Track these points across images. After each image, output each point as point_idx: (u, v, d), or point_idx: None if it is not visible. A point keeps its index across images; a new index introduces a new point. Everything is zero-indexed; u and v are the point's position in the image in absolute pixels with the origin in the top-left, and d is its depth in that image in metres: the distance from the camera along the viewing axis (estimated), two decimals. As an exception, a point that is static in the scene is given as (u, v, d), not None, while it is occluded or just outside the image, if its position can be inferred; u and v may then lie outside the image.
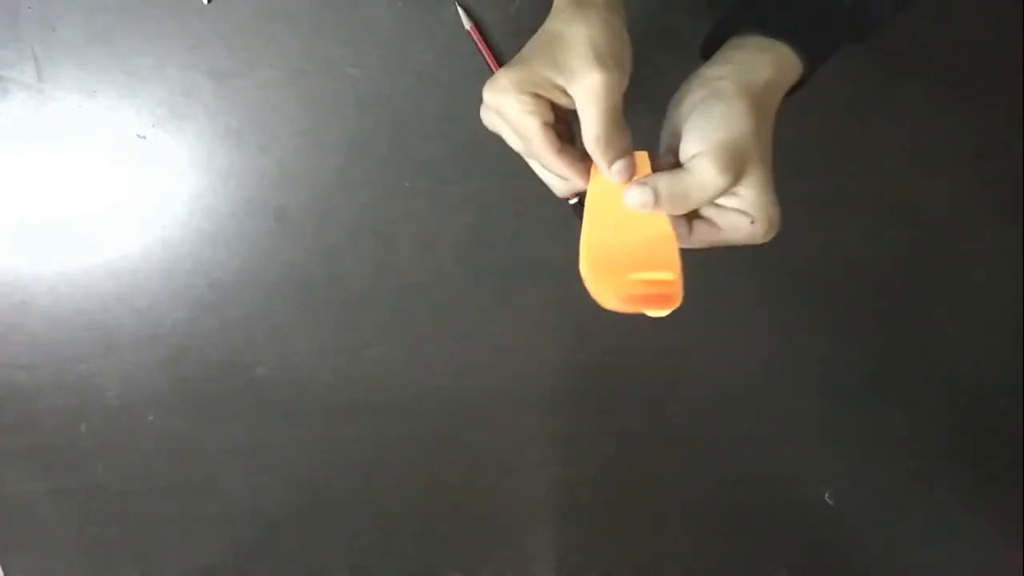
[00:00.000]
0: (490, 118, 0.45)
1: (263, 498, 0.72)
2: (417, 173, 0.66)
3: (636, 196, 0.41)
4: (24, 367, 0.68)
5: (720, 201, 0.43)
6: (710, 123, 0.41)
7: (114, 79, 0.62)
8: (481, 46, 0.63)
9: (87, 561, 0.73)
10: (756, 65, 0.43)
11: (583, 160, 0.44)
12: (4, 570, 0.73)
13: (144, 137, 0.64)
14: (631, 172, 0.43)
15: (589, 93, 0.40)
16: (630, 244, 0.41)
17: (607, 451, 0.74)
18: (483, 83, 0.63)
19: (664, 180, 0.41)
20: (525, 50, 0.43)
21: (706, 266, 0.70)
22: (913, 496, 0.77)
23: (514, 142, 0.45)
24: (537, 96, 0.42)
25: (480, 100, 0.67)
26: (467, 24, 0.62)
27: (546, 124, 0.42)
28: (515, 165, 0.67)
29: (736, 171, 0.41)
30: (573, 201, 0.67)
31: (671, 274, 0.40)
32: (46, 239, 0.66)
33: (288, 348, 0.69)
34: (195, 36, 0.62)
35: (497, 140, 0.66)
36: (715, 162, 0.40)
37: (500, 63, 0.63)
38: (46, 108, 0.63)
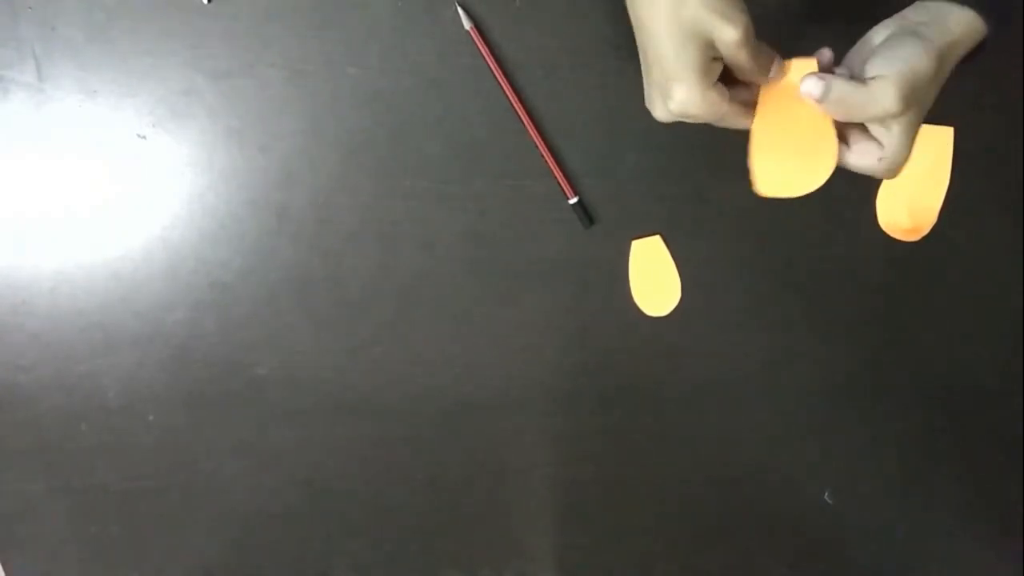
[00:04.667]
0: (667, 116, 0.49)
1: (263, 498, 0.72)
2: (417, 173, 0.66)
3: (809, 85, 0.46)
4: (24, 367, 0.68)
5: (870, 126, 0.47)
6: (903, 54, 0.45)
7: (114, 79, 0.62)
8: (481, 46, 0.63)
9: (87, 561, 0.73)
10: (950, 19, 0.46)
11: (750, 92, 0.49)
12: (4, 570, 0.73)
13: (144, 137, 0.64)
14: (781, 70, 0.48)
15: (730, 48, 0.44)
16: (797, 138, 0.48)
17: (607, 451, 0.74)
18: (483, 83, 0.64)
19: (840, 84, 0.45)
20: (665, 46, 0.46)
21: (706, 266, 0.70)
22: (913, 496, 0.77)
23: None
24: (716, 84, 0.46)
25: (481, 100, 0.67)
26: (467, 24, 0.62)
27: (731, 101, 0.47)
28: (515, 165, 0.67)
29: (908, 105, 0.44)
30: (573, 201, 0.67)
31: (828, 167, 0.48)
32: (46, 239, 0.66)
33: (288, 348, 0.69)
34: (195, 36, 0.62)
35: (497, 140, 0.66)
36: (897, 88, 0.44)
37: (500, 63, 0.64)
38: (46, 108, 0.63)
